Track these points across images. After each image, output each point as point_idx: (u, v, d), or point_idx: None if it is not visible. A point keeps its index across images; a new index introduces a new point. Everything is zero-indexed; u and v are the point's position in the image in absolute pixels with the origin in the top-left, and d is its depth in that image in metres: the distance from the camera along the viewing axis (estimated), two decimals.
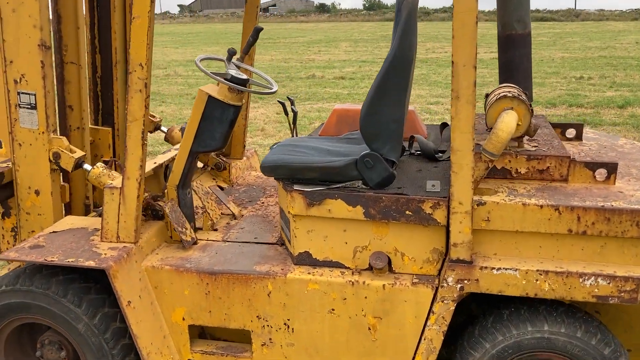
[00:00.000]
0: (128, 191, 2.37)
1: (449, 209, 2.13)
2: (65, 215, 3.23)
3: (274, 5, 78.79)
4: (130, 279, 2.34)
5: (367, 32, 31.46)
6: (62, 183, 2.88)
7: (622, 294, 2.04)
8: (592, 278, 2.06)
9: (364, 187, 2.27)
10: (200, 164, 3.35)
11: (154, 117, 3.42)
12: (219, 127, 2.49)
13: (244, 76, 2.49)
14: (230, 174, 3.38)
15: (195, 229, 2.73)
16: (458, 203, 2.11)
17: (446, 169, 2.50)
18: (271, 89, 2.54)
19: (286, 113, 3.10)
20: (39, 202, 2.77)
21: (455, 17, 1.95)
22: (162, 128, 3.43)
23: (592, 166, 2.27)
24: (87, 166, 2.72)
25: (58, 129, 2.75)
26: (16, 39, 2.55)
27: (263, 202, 3.10)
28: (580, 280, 2.06)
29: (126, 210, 2.39)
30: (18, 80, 2.60)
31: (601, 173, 2.26)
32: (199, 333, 2.61)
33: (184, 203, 2.64)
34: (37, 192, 2.75)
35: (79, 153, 2.72)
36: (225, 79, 2.45)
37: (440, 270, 2.25)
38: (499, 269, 2.12)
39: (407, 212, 2.20)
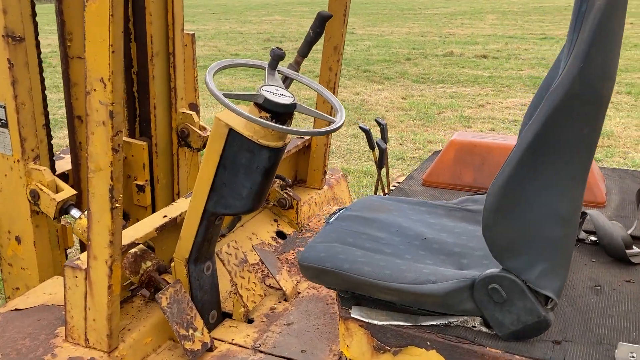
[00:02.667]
0: (96, 277, 1.49)
1: None
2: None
3: None
4: None
5: (518, 4, 28.75)
6: (60, 224, 2.08)
7: None
8: None
9: (484, 329, 1.18)
10: None
11: (204, 128, 2.52)
12: (246, 179, 1.51)
13: (289, 99, 1.46)
14: (298, 215, 2.40)
15: (219, 318, 1.81)
16: None
17: None
18: (333, 121, 1.50)
19: (371, 147, 2.03)
20: (22, 253, 2.00)
21: None
22: None
23: None
24: (75, 212, 1.89)
25: (45, 152, 1.93)
26: None
27: None
28: None
29: (95, 305, 1.51)
30: None
31: None
32: None
33: (199, 285, 1.71)
34: (18, 240, 1.98)
35: (65, 193, 1.89)
36: (257, 104, 1.45)
37: None
38: None
39: None
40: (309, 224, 2.45)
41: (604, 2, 0.97)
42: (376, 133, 2.29)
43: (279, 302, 1.93)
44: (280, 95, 1.46)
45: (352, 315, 1.25)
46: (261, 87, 1.48)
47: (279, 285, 1.95)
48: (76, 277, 1.53)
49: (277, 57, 1.52)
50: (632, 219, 1.65)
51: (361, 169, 5.36)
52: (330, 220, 1.47)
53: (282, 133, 1.47)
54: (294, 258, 2.20)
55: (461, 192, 1.92)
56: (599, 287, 1.35)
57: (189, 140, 2.50)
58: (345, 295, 1.31)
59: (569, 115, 0.99)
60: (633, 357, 1.09)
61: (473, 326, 1.19)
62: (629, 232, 1.53)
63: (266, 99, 1.42)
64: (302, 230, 2.40)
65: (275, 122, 1.42)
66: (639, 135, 6.30)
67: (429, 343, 1.18)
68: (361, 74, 10.38)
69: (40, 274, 2.01)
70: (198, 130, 2.49)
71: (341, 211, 1.51)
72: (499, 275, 1.11)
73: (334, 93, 2.42)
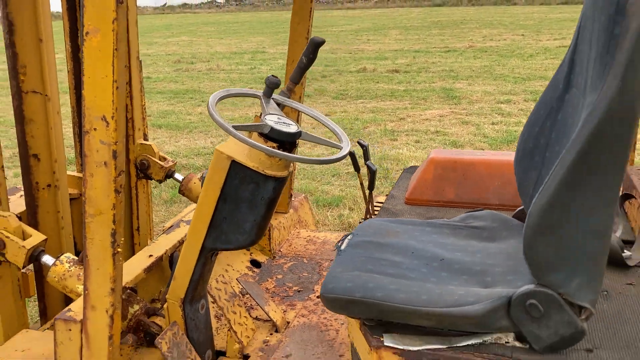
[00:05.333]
0: (94, 328, 1.38)
1: None
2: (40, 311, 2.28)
3: None
4: None
5: (417, 19, 30.03)
6: (21, 272, 1.92)
7: None
8: None
9: (518, 344, 1.20)
10: None
11: (165, 159, 2.42)
12: (249, 212, 1.47)
13: (294, 127, 1.44)
14: (270, 241, 2.35)
15: (215, 357, 1.73)
16: None
17: None
18: (340, 147, 1.49)
19: (357, 169, 2.04)
20: None
21: None
22: (177, 175, 2.43)
23: None
24: (47, 258, 1.74)
25: (6, 200, 1.77)
26: None
27: (318, 294, 2.07)
28: None
29: (93, 358, 1.39)
30: None
31: None
32: None
33: (194, 325, 1.63)
34: None
35: (35, 239, 1.74)
36: (262, 134, 1.41)
37: None
38: None
39: None
40: (281, 250, 2.41)
41: (639, 25, 1.03)
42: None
43: (271, 334, 1.87)
44: (284, 124, 1.43)
45: (385, 344, 1.24)
46: (264, 116, 1.44)
47: (268, 316, 1.89)
48: (70, 330, 1.41)
49: (273, 85, 1.49)
50: (618, 224, 1.75)
51: (300, 187, 5.37)
52: (342, 248, 1.45)
53: (287, 162, 1.44)
54: (274, 287, 2.15)
55: (445, 208, 1.97)
56: (606, 293, 1.42)
57: (149, 172, 2.40)
58: (371, 324, 1.30)
59: (608, 135, 1.04)
60: None
61: (506, 342, 1.21)
62: (617, 235, 1.63)
63: (272, 129, 1.39)
64: (275, 257, 2.36)
65: (282, 151, 1.39)
66: None
67: None
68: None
69: (4, 329, 1.84)
70: (159, 161, 2.38)
71: (348, 238, 1.49)
72: (536, 291, 1.14)
73: (298, 113, 2.41)
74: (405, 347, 1.22)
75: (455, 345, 1.21)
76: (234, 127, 1.32)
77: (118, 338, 1.42)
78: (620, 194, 1.82)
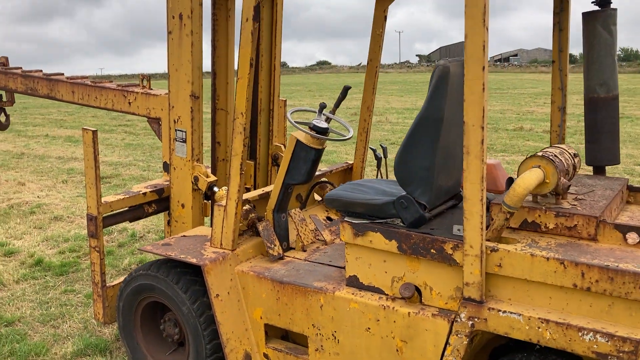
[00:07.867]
0: (229, 209, 3.06)
1: (463, 252, 2.37)
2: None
3: (516, 55, 77.03)
4: (222, 277, 3.00)
5: None
6: (204, 201, 3.71)
7: (621, 354, 2.07)
8: (591, 334, 2.11)
9: (401, 225, 2.61)
10: (318, 197, 3.93)
11: None
12: (303, 165, 3.06)
13: (325, 125, 3.02)
14: None
15: (288, 248, 3.30)
16: (469, 246, 2.34)
17: None
18: (345, 136, 3.03)
19: (376, 158, 3.54)
20: (184, 214, 3.62)
21: (466, 84, 2.25)
22: None
23: (623, 229, 2.30)
24: (216, 189, 3.50)
25: (202, 158, 3.58)
26: (176, 90, 3.46)
27: None
28: (580, 334, 2.14)
29: (227, 224, 3.07)
30: (176, 120, 3.50)
31: (632, 237, 2.28)
32: (282, 335, 3.16)
33: (278, 225, 3.23)
34: (183, 206, 3.61)
35: (211, 178, 3.51)
36: (310, 127, 3.02)
37: None
38: (505, 311, 2.29)
39: (432, 250, 2.49)
40: None
41: (435, 80, 2.46)
42: None
43: (322, 245, 3.40)
44: (322, 124, 3.02)
45: (345, 220, 2.72)
46: (314, 119, 3.05)
47: (322, 237, 3.43)
48: (220, 210, 3.11)
49: (322, 107, 3.10)
50: None
51: None
52: (344, 184, 2.98)
53: (321, 141, 3.02)
54: (335, 229, 3.68)
55: None
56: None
57: (278, 162, 4.10)
58: (344, 214, 2.79)
59: (420, 127, 2.46)
60: (459, 230, 2.47)
61: (397, 223, 2.62)
62: None
63: (314, 125, 3.00)
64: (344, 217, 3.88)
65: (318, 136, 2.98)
66: None
67: (376, 229, 2.62)
68: None
69: (192, 225, 3.62)
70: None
71: (352, 182, 3.02)
72: (403, 195, 2.55)
73: (367, 136, 3.95)
74: (352, 221, 2.69)
75: (373, 222, 2.66)
76: (296, 122, 2.94)
77: (239, 215, 3.07)
78: None
